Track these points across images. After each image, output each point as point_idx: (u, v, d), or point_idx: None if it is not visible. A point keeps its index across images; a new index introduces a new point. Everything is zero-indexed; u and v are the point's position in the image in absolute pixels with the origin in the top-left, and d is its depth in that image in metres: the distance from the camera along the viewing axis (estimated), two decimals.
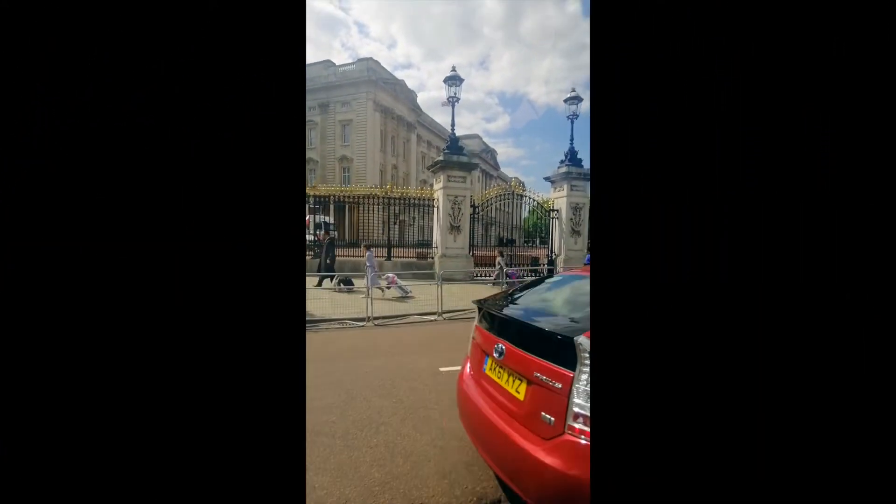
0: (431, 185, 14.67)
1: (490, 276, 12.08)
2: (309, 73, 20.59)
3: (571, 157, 14.39)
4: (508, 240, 16.65)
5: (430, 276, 11.97)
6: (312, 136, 37.08)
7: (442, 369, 4.28)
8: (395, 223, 15.09)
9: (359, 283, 9.58)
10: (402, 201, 14.39)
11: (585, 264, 12.72)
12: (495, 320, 2.22)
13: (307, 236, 12.76)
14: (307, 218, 13.53)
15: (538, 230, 15.89)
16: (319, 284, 9.51)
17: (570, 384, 1.56)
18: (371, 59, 38.46)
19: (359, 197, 14.15)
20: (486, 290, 10.33)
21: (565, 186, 14.25)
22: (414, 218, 18.69)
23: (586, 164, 14.33)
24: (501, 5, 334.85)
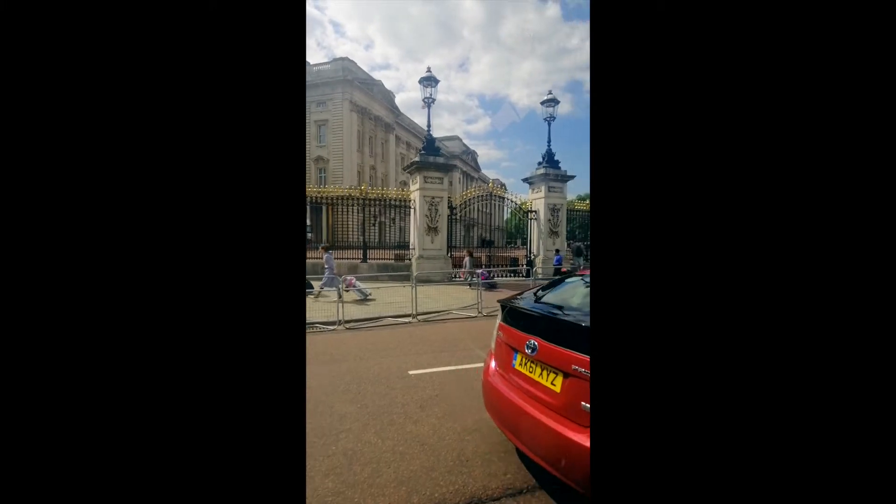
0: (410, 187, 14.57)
1: (459, 277, 12.07)
2: None
3: (549, 158, 14.51)
4: (487, 241, 16.69)
5: (407, 278, 11.87)
6: None
7: (411, 372, 4.22)
8: (374, 224, 14.91)
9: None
10: (380, 202, 14.22)
11: (555, 265, 12.82)
12: (525, 318, 2.31)
13: None
14: None
15: (520, 231, 15.98)
16: None
17: None
18: (347, 58, 38.10)
19: (336, 198, 13.89)
20: (463, 292, 10.31)
21: (543, 188, 14.36)
22: (394, 219, 18.57)
23: (563, 165, 14.51)
24: (481, 7, 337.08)
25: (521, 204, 15.31)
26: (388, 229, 22.56)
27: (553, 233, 14.41)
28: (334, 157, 36.71)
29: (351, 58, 39.83)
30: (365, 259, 13.05)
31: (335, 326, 6.66)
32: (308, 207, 14.74)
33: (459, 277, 11.60)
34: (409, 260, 13.18)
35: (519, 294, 2.85)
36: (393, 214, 15.24)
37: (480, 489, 2.18)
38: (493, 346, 2.64)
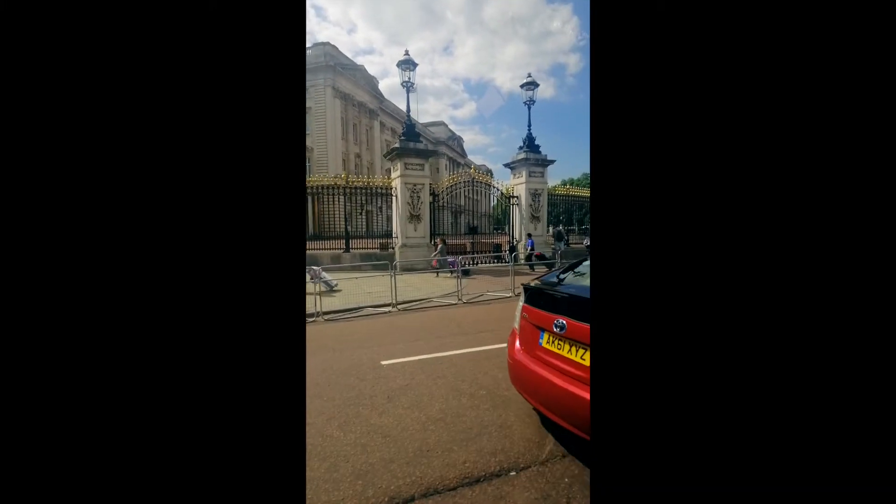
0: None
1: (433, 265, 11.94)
2: None
3: (529, 143, 14.45)
4: (472, 227, 16.68)
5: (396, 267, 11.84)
6: None
7: (384, 363, 4.21)
8: (361, 214, 14.74)
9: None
10: (366, 191, 14.06)
11: (528, 249, 12.85)
12: (551, 300, 2.46)
13: None
14: None
15: (507, 217, 16.02)
16: None
17: None
18: (328, 43, 37.18)
19: (321, 187, 13.66)
20: (444, 280, 10.30)
21: (524, 172, 14.33)
22: (381, 208, 18.42)
23: (548, 150, 14.48)
24: None
25: (504, 189, 15.28)
26: (375, 218, 22.37)
27: (534, 218, 14.45)
28: (318, 145, 36.07)
29: (334, 42, 39.11)
30: (348, 249, 12.96)
31: (314, 318, 6.62)
32: None
33: (433, 265, 11.50)
34: (393, 249, 13.12)
35: (537, 277, 3.01)
36: (380, 203, 15.11)
37: (437, 479, 2.19)
38: (516, 326, 2.79)
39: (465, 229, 26.32)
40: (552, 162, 14.61)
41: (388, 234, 14.48)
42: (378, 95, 44.73)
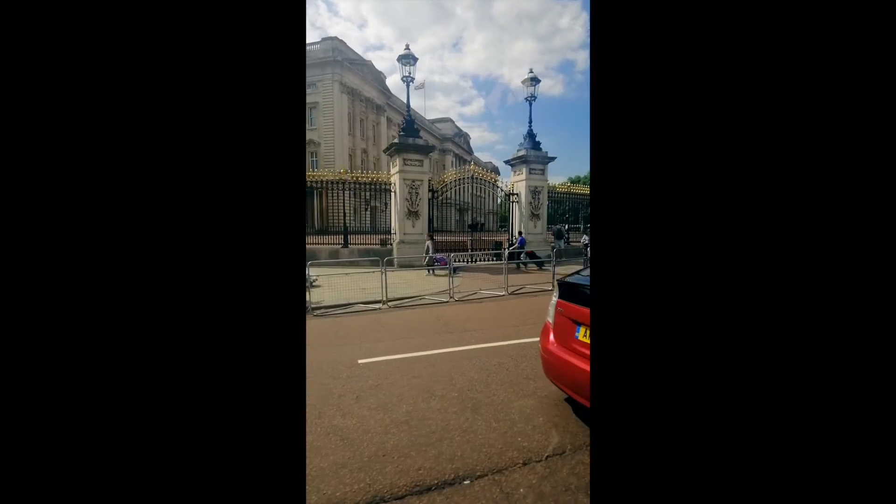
0: None
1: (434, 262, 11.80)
2: None
3: (530, 139, 14.27)
4: (472, 224, 16.59)
5: (389, 263, 11.77)
6: None
7: (361, 361, 4.14)
8: (366, 209, 14.68)
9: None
10: (372, 186, 13.97)
11: (518, 248, 12.60)
12: (588, 296, 2.48)
13: None
14: None
15: (511, 214, 15.89)
16: None
17: None
18: (336, 38, 37.14)
19: (327, 182, 13.59)
20: (440, 278, 10.21)
21: (524, 170, 14.16)
22: (386, 203, 18.40)
23: (552, 146, 14.34)
24: None
25: (504, 187, 15.13)
26: (380, 214, 22.30)
27: (534, 215, 14.29)
28: (325, 140, 36.12)
29: (345, 37, 38.95)
30: (346, 244, 12.91)
31: None
32: None
33: (424, 263, 11.37)
34: (392, 245, 13.05)
35: (570, 274, 3.11)
36: (386, 199, 15.02)
37: (387, 487, 2.11)
38: (550, 321, 2.88)
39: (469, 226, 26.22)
40: (553, 159, 14.42)
41: (391, 231, 14.38)
42: (385, 91, 44.63)
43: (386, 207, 19.95)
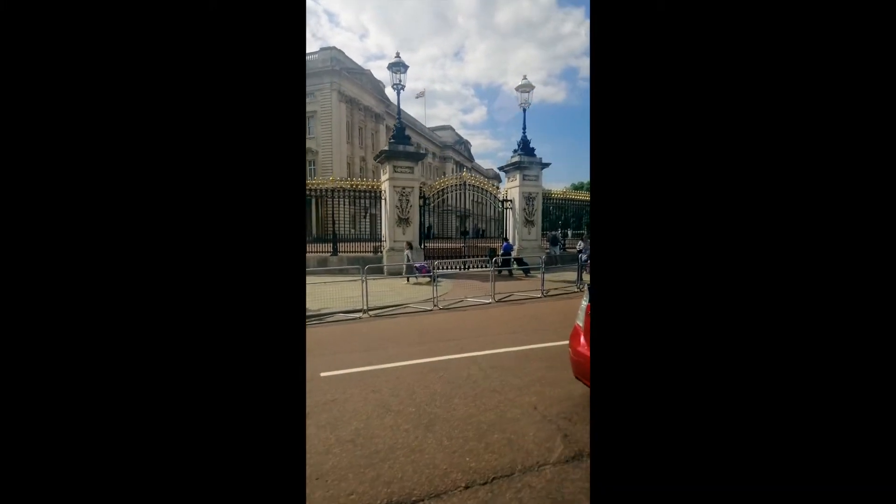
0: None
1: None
2: None
3: (524, 146, 14.15)
4: (464, 231, 16.45)
5: (380, 271, 11.63)
6: None
7: (323, 374, 3.98)
8: (364, 216, 14.58)
9: None
10: (371, 194, 13.81)
11: (502, 253, 12.32)
12: None
13: None
14: None
15: (505, 221, 15.71)
16: None
17: None
18: (334, 48, 37.40)
19: (325, 190, 13.42)
20: (428, 286, 10.01)
21: (518, 176, 14.02)
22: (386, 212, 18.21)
23: (548, 153, 14.22)
24: None
25: (495, 193, 15.00)
26: (379, 222, 22.17)
27: (528, 222, 14.11)
28: (323, 148, 36.19)
29: (347, 48, 39.37)
30: (335, 252, 12.77)
31: None
32: None
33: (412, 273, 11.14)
34: (381, 252, 12.91)
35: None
36: (386, 207, 14.82)
37: None
38: (580, 324, 2.94)
39: (471, 233, 26.09)
40: (547, 165, 14.28)
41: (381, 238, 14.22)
42: (384, 100, 44.78)
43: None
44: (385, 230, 12.85)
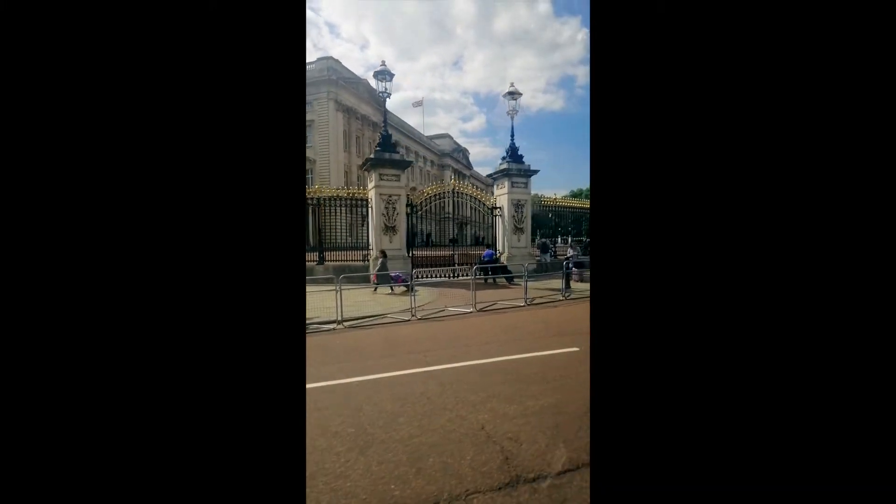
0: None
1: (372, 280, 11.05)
2: None
3: (512, 153, 14.03)
4: (452, 239, 16.34)
5: (366, 280, 11.48)
6: None
7: None
8: (362, 224, 14.46)
9: None
10: (366, 203, 13.65)
11: (484, 259, 12.06)
12: None
13: None
14: None
15: (494, 229, 15.57)
16: None
17: None
18: (331, 58, 37.74)
19: (323, 199, 13.27)
20: (408, 297, 9.81)
21: (506, 183, 13.88)
22: None
23: (537, 160, 14.10)
24: (473, 4, 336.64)
25: (485, 201, 14.88)
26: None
27: (518, 229, 13.92)
28: (321, 157, 36.29)
29: (347, 59, 39.82)
30: (321, 261, 12.63)
31: None
32: None
33: (372, 281, 10.91)
34: (368, 261, 12.76)
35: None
36: None
37: None
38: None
39: (470, 240, 25.94)
40: (535, 172, 14.15)
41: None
42: (381, 108, 45.06)
43: None
44: (372, 238, 12.71)
